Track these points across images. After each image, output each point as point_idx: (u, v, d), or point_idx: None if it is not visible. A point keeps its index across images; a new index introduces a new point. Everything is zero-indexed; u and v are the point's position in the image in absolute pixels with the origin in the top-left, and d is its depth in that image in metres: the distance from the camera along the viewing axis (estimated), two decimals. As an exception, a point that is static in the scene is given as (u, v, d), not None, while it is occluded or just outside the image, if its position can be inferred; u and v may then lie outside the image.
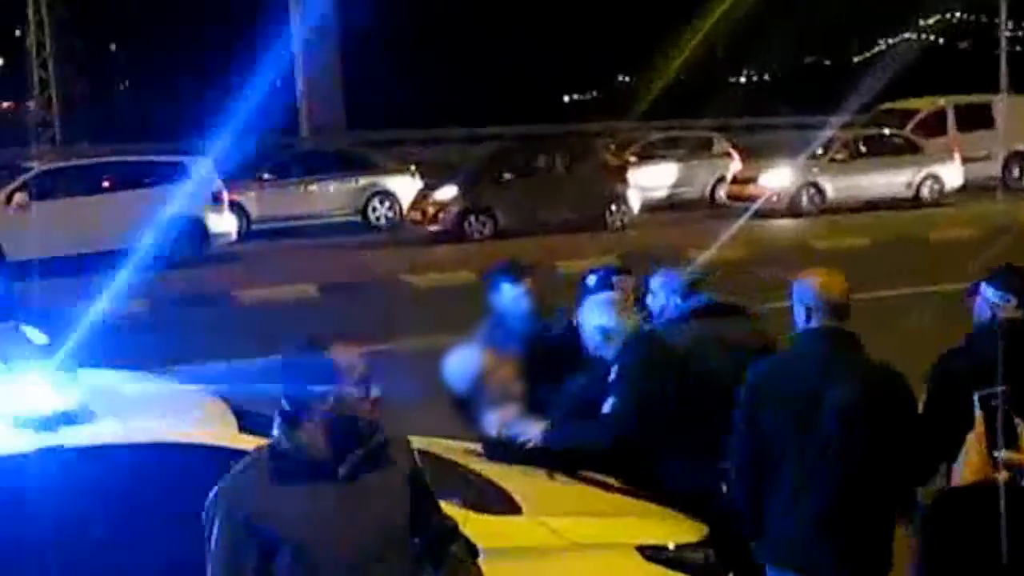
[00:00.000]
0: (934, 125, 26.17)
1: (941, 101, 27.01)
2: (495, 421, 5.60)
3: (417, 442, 5.56)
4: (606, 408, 5.17)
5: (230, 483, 3.37)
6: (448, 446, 5.69)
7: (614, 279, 6.08)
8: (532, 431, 5.42)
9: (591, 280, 6.08)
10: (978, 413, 4.15)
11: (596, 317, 5.36)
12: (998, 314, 4.73)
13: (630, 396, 5.13)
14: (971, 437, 4.12)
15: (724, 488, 4.82)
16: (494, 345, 5.86)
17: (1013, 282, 4.76)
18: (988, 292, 4.78)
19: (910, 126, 25.84)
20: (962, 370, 4.46)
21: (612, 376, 5.23)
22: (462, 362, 5.79)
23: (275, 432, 3.43)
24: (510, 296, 5.95)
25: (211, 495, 3.39)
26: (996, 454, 4.02)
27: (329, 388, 3.33)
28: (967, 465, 4.08)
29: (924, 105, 26.91)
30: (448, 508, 3.93)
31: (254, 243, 21.37)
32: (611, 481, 5.26)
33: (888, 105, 27.18)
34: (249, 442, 4.14)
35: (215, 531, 3.33)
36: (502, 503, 4.81)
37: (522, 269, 6.14)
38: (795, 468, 4.39)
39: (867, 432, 4.32)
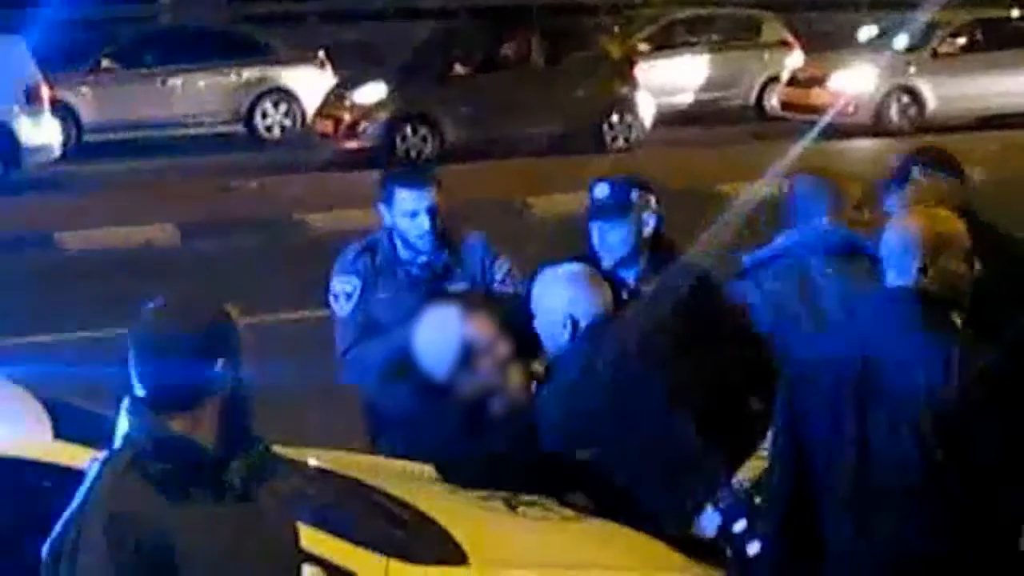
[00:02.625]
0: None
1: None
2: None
3: (319, 457, 5.63)
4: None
5: (114, 505, 3.43)
6: (361, 462, 5.72)
7: (633, 194, 5.79)
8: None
9: (602, 191, 5.80)
10: None
11: (559, 296, 5.35)
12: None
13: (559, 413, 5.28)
14: None
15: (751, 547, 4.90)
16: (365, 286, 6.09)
17: (945, 157, 5.58)
18: (916, 173, 5.52)
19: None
20: None
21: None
22: (442, 334, 5.75)
23: (125, 427, 3.49)
24: (405, 207, 6.02)
25: (73, 523, 3.42)
26: None
27: (229, 366, 3.47)
28: None
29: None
30: (361, 555, 3.95)
31: (87, 163, 21.23)
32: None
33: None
34: (71, 453, 4.15)
35: (92, 570, 3.39)
36: (440, 548, 4.83)
37: (428, 174, 6.38)
38: (858, 500, 4.38)
39: (975, 441, 4.30)
